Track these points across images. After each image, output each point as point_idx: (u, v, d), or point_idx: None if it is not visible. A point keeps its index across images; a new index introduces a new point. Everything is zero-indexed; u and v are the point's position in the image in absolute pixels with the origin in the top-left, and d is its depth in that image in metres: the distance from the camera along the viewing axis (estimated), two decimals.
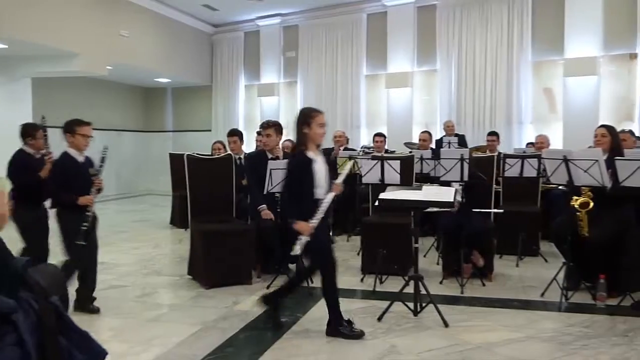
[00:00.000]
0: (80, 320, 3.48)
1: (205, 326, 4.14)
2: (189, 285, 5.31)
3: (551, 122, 10.00)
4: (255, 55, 13.24)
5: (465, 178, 5.43)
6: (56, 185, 4.36)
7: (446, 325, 4.02)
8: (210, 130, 13.55)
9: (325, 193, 3.86)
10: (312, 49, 12.44)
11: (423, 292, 4.28)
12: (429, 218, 6.77)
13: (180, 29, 12.71)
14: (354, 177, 7.06)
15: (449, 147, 8.26)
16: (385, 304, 4.29)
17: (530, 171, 6.17)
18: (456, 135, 9.45)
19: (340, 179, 3.95)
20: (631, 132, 6.74)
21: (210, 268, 5.21)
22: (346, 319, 3.91)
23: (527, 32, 10.11)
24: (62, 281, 3.73)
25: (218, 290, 5.08)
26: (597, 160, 4.33)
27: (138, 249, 7.05)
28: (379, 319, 4.18)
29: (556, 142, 9.14)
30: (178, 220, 8.77)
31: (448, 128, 9.56)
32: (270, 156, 5.54)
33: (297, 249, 3.75)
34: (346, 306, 4.29)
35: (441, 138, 9.43)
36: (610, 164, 4.40)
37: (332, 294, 3.89)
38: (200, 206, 5.51)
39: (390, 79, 11.35)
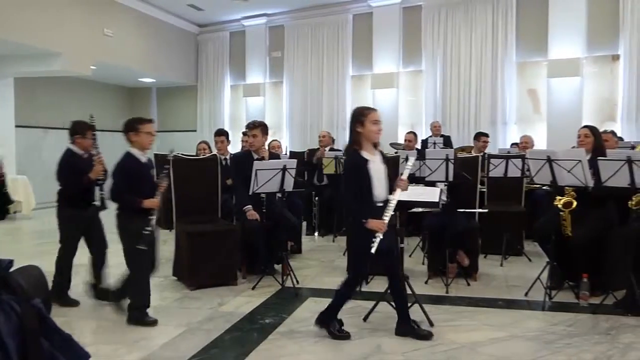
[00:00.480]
0: (64, 322, 3.45)
1: (190, 327, 4.11)
2: (173, 287, 5.28)
3: (535, 122, 10.09)
4: (240, 55, 13.22)
5: (450, 178, 5.45)
6: (120, 187, 4.08)
7: (431, 324, 4.04)
8: (195, 131, 13.50)
9: (385, 192, 3.73)
10: (298, 49, 12.44)
11: (408, 292, 4.29)
12: (414, 218, 6.79)
13: (165, 28, 12.65)
14: (339, 178, 7.06)
15: (434, 148, 8.30)
16: (371, 304, 4.30)
17: (514, 171, 6.21)
18: (442, 136, 9.50)
19: (405, 174, 3.80)
20: (613, 133, 6.82)
21: (195, 269, 5.18)
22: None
23: (512, 33, 10.19)
24: (44, 283, 3.66)
25: (203, 291, 5.06)
26: (580, 161, 4.37)
27: (120, 251, 6.97)
28: (365, 319, 4.19)
29: (540, 143, 9.22)
30: (163, 220, 8.63)
31: (435, 128, 9.61)
32: (256, 157, 5.53)
33: (374, 248, 3.60)
34: None
35: (427, 138, 9.47)
36: (593, 164, 4.44)
37: (344, 296, 3.92)
38: (185, 207, 5.49)
39: (376, 80, 11.39)
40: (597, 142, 4.84)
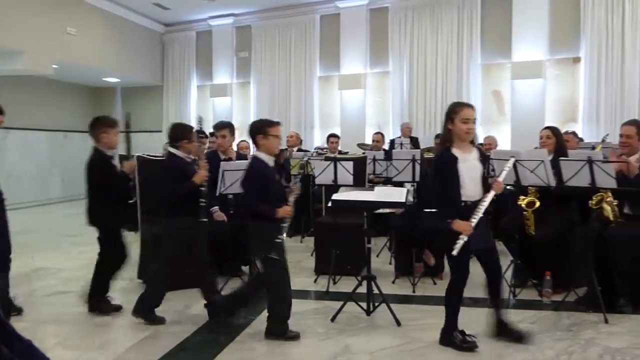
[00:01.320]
0: (24, 328, 3.37)
1: (157, 330, 4.06)
2: (139, 290, 5.16)
3: (500, 123, 10.25)
4: (207, 55, 13.11)
5: (417, 179, 5.51)
6: (253, 195, 3.88)
7: (398, 324, 4.07)
8: (161, 131, 13.31)
9: (478, 191, 3.60)
10: (266, 50, 12.40)
11: (376, 291, 4.31)
12: (381, 218, 6.84)
13: (130, 27, 12.46)
14: (307, 178, 7.06)
15: (402, 148, 8.37)
16: (339, 304, 4.31)
17: None
18: (410, 137, 9.58)
19: (502, 176, 3.65)
20: (574, 134, 6.98)
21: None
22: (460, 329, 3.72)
23: (477, 35, 10.35)
24: (3, 290, 3.55)
25: (170, 294, 4.97)
26: (543, 161, 4.46)
27: (86, 253, 6.82)
28: (333, 319, 4.20)
29: (504, 143, 9.38)
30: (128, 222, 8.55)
31: (406, 130, 9.67)
32: (223, 157, 5.49)
33: (456, 250, 3.50)
34: (299, 307, 4.31)
35: (394, 139, 9.54)
36: (555, 165, 4.54)
37: (454, 301, 3.74)
38: (151, 208, 5.40)
39: (344, 81, 11.43)
40: (558, 143, 4.96)
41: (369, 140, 9.75)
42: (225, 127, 5.52)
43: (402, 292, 4.98)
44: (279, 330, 3.87)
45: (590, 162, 4.27)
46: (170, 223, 4.22)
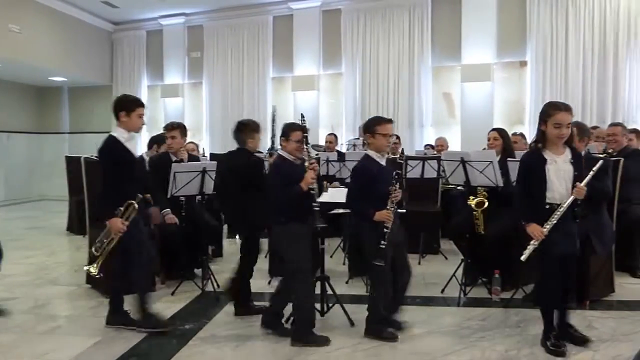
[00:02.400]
0: None
1: (106, 336, 3.95)
2: (87, 295, 5.06)
3: (450, 125, 10.44)
4: (158, 55, 12.87)
5: None
6: (354, 193, 3.79)
7: (352, 324, 4.09)
8: (110, 132, 12.99)
9: (567, 194, 3.48)
10: (218, 50, 12.27)
11: (330, 292, 4.32)
12: (335, 219, 6.86)
13: (77, 25, 12.10)
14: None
15: (354, 149, 8.42)
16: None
17: (430, 172, 6.39)
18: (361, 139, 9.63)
19: (584, 182, 3.47)
20: (522, 135, 7.18)
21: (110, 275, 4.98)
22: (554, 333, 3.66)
23: (427, 38, 10.50)
24: None
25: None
26: (491, 162, 4.57)
27: (31, 258, 6.62)
28: (287, 320, 4.18)
29: (454, 144, 9.56)
30: (76, 226, 8.33)
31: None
32: (174, 158, 5.40)
33: (524, 256, 3.51)
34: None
35: (351, 140, 9.56)
36: (502, 165, 4.66)
37: (546, 310, 3.69)
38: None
39: (297, 82, 11.42)
40: (505, 144, 5.08)
41: (322, 142, 9.77)
42: (175, 128, 5.43)
43: (356, 292, 5.00)
44: (375, 329, 3.86)
45: None
46: (285, 233, 3.87)
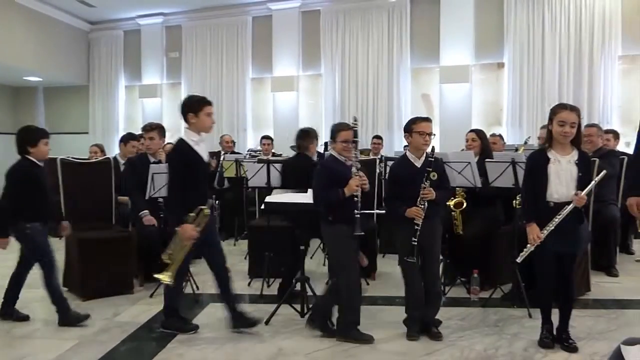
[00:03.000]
0: None
1: (83, 340, 3.90)
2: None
3: None
4: (136, 55, 12.73)
5: None
6: (388, 192, 3.95)
7: (333, 325, 4.08)
8: (87, 133, 12.83)
9: (569, 195, 3.51)
10: (197, 50, 12.19)
11: (310, 293, 4.32)
12: (314, 220, 6.85)
13: (53, 24, 11.91)
14: (240, 181, 7.00)
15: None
16: (273, 307, 4.29)
17: None
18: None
19: (585, 191, 3.50)
20: (500, 136, 7.26)
21: (87, 278, 4.94)
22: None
23: (406, 40, 10.55)
24: None
25: (97, 301, 4.82)
26: (469, 163, 4.61)
27: (5, 262, 6.48)
28: (267, 322, 4.17)
29: (433, 145, 9.60)
30: (52, 228, 8.19)
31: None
32: (152, 160, 5.35)
33: (520, 258, 3.63)
34: None
35: (326, 142, 9.58)
36: (481, 166, 4.71)
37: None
38: (76, 213, 5.19)
39: (276, 83, 11.39)
40: (484, 145, 5.14)
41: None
42: (153, 129, 5.39)
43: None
44: (411, 325, 3.92)
45: (513, 163, 4.46)
46: (331, 230, 3.90)
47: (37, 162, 4.20)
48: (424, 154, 3.86)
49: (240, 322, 4.03)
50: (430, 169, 3.74)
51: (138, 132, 7.03)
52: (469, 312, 4.40)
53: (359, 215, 3.75)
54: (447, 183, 4.04)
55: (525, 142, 7.48)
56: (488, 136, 5.64)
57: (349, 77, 10.96)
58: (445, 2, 10.14)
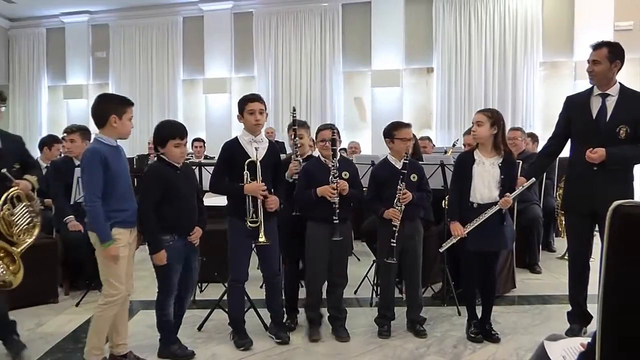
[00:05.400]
0: None
1: (3, 351, 3.69)
2: None
3: (361, 128, 10.66)
4: (60, 54, 12.25)
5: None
6: (369, 193, 4.02)
7: (266, 328, 4.06)
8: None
9: (492, 196, 3.67)
10: (125, 50, 11.86)
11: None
12: None
13: None
14: None
15: None
16: (206, 312, 4.22)
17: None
18: (276, 141, 9.63)
19: (513, 194, 3.66)
20: (429, 139, 7.45)
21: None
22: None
23: (338, 43, 10.68)
24: None
25: (18, 312, 4.53)
26: None
27: None
28: (199, 328, 4.09)
29: (365, 148, 9.76)
30: None
31: (268, 134, 9.72)
32: (77, 163, 5.14)
33: (443, 248, 3.88)
34: None
35: None
36: None
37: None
38: None
39: (208, 85, 11.25)
40: (414, 147, 5.23)
41: None
42: (74, 132, 5.18)
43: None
44: (383, 323, 4.03)
45: (442, 165, 4.58)
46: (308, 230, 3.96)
47: None
48: (404, 157, 3.91)
49: None
50: (405, 171, 3.80)
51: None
52: (401, 311, 4.46)
53: (337, 221, 3.73)
54: (427, 186, 4.11)
55: (454, 145, 7.71)
56: (418, 138, 5.76)
57: (282, 80, 10.97)
58: (376, 8, 10.34)
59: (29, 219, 3.55)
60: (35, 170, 3.80)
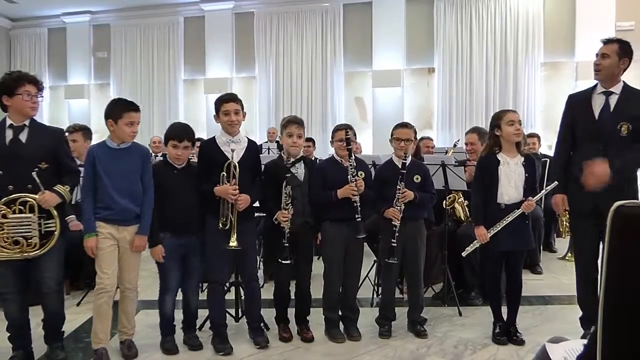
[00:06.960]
0: None
1: (4, 352, 3.69)
2: None
3: (362, 129, 10.63)
4: (61, 54, 12.26)
5: None
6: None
7: (267, 328, 4.06)
8: None
9: (519, 196, 3.68)
10: (126, 50, 11.87)
11: (243, 297, 4.26)
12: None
13: None
14: None
15: (268, 153, 8.41)
16: (206, 312, 4.21)
17: None
18: (277, 142, 9.64)
19: (536, 197, 3.72)
20: (430, 139, 7.42)
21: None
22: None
23: (339, 44, 10.68)
24: None
25: None
26: None
27: None
28: (200, 328, 4.09)
29: (366, 148, 9.75)
30: None
31: (271, 134, 9.72)
32: (78, 163, 5.13)
33: (465, 252, 3.85)
34: None
35: (261, 144, 9.54)
36: None
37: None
38: None
39: (209, 84, 11.24)
40: (417, 148, 5.23)
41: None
42: (77, 131, 5.18)
43: (270, 296, 4.93)
44: (384, 323, 4.04)
45: (443, 166, 4.58)
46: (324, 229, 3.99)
47: None
48: (403, 157, 3.90)
49: None
50: (404, 171, 3.79)
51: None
52: (402, 311, 4.45)
53: (359, 219, 3.72)
54: (431, 188, 4.07)
55: (455, 145, 7.70)
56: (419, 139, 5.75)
57: (283, 80, 10.97)
58: (377, 8, 10.34)
59: (28, 231, 3.30)
60: (69, 176, 3.48)
